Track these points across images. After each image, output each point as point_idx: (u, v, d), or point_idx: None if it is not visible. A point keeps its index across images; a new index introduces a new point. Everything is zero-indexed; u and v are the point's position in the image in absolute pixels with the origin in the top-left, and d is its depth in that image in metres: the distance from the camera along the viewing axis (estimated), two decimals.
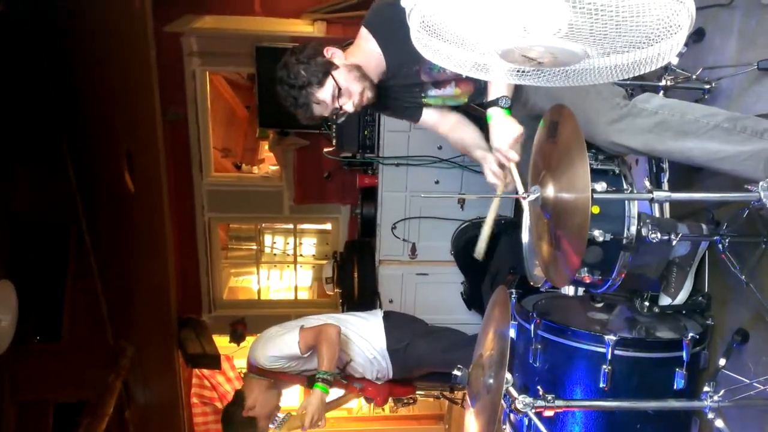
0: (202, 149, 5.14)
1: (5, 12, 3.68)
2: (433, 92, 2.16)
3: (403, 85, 2.12)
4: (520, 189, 1.85)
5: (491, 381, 1.68)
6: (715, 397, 1.67)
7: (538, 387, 2.00)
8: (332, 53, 1.97)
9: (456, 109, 2.39)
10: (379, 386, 3.11)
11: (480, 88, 2.14)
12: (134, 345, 4.38)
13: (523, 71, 1.38)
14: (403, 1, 1.21)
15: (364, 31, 2.03)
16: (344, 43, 2.08)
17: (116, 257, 4.51)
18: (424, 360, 3.09)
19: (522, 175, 1.87)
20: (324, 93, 1.94)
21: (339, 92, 1.95)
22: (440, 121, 2.28)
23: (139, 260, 4.73)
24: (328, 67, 1.94)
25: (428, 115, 2.26)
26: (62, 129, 4.12)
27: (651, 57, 1.24)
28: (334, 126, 4.12)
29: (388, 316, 3.11)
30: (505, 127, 1.86)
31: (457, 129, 2.28)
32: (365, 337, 3.02)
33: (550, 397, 1.65)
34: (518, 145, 1.86)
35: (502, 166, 1.94)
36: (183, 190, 5.19)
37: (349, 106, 1.98)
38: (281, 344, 2.85)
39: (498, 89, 1.88)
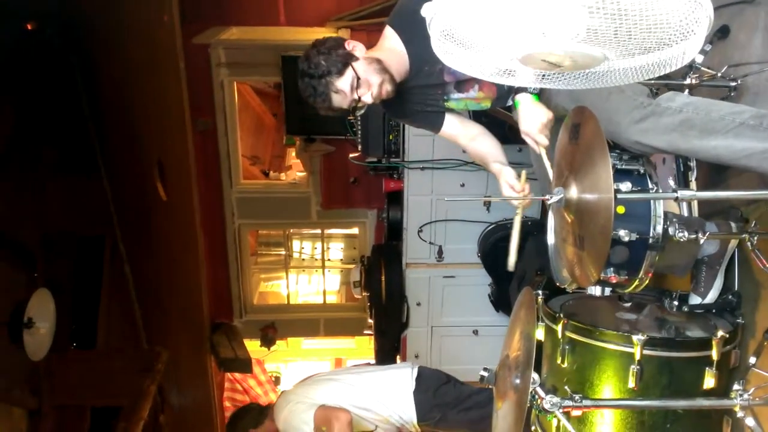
0: (231, 157, 5.23)
1: (37, 30, 3.80)
2: (455, 96, 2.16)
3: (424, 86, 2.12)
4: (551, 174, 1.86)
5: (518, 381, 1.69)
6: (746, 396, 1.66)
7: (566, 387, 2.00)
8: (353, 46, 1.98)
9: (479, 113, 2.39)
10: None
11: (503, 92, 2.15)
12: (168, 350, 4.46)
13: (544, 75, 1.40)
14: (423, 11, 1.23)
15: (388, 30, 2.05)
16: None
17: (149, 265, 4.60)
18: (455, 430, 3.09)
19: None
20: (343, 82, 1.94)
21: (358, 82, 1.95)
22: (461, 132, 2.26)
23: (171, 267, 4.82)
24: (348, 58, 1.95)
25: (450, 125, 2.25)
26: (95, 141, 4.22)
27: (672, 57, 1.24)
28: (359, 131, 4.17)
29: (419, 381, 3.03)
30: (533, 112, 1.88)
31: (478, 140, 2.25)
32: (394, 408, 2.99)
33: (577, 396, 1.65)
34: (547, 129, 1.88)
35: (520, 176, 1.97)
36: (213, 197, 5.28)
37: (367, 97, 1.97)
38: (298, 422, 2.89)
39: None
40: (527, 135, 1.92)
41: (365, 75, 1.95)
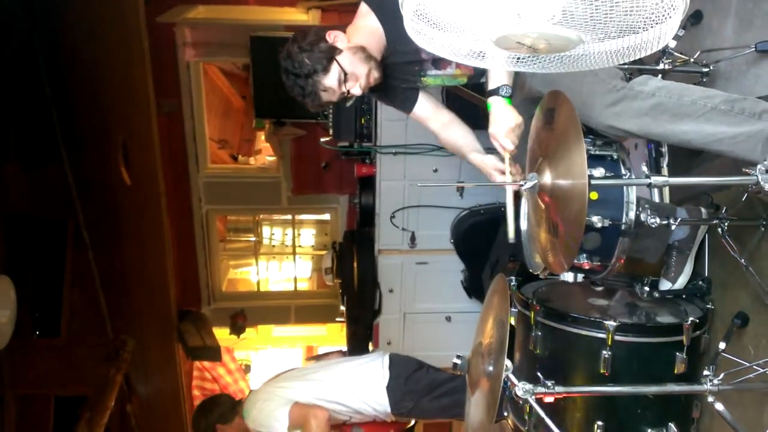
0: (198, 141, 5.12)
1: None
2: (432, 72, 2.13)
3: (401, 63, 2.09)
4: (509, 178, 1.86)
5: (491, 368, 1.68)
6: (715, 381, 1.67)
7: (539, 374, 2.00)
8: (335, 37, 1.94)
9: (453, 99, 2.36)
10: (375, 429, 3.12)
11: (480, 69, 2.12)
12: (134, 339, 4.39)
13: (519, 58, 1.37)
14: None
15: (363, 7, 2.01)
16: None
17: (114, 251, 4.51)
18: (429, 417, 3.08)
19: (520, 160, 1.88)
20: (330, 79, 1.92)
21: (345, 77, 1.92)
22: (433, 116, 2.23)
23: (137, 253, 4.73)
24: (332, 53, 1.91)
25: (422, 106, 2.22)
26: (57, 123, 4.10)
27: (647, 42, 1.22)
28: (331, 115, 4.10)
29: (391, 369, 3.01)
30: (503, 116, 1.86)
31: (450, 128, 2.22)
32: (367, 400, 2.97)
33: (550, 383, 1.65)
34: (514, 134, 1.85)
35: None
36: (180, 182, 5.18)
37: (356, 90, 1.95)
38: (270, 420, 2.83)
39: (498, 78, 1.87)
40: (494, 137, 1.88)
41: (351, 68, 1.92)
